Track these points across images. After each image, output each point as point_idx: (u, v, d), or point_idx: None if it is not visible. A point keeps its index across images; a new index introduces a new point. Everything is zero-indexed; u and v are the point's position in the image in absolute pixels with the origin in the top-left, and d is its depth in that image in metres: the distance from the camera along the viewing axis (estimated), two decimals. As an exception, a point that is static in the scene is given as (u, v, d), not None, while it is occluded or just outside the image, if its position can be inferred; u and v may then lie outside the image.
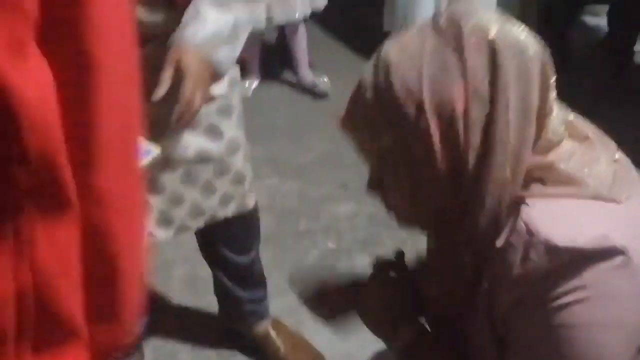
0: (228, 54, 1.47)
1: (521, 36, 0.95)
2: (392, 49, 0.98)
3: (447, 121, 0.93)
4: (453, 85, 0.92)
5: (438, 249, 1.08)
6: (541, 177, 0.95)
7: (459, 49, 0.93)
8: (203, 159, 1.67)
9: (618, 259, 0.90)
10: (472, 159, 0.93)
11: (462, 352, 1.09)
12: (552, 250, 0.90)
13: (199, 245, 2.00)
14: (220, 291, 2.08)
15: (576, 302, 0.90)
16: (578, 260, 0.90)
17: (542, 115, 0.95)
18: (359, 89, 1.00)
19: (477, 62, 0.92)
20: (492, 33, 0.93)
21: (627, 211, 0.95)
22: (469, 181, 0.94)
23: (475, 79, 0.92)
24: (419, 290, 1.16)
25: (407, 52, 0.96)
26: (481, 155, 0.93)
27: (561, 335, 0.92)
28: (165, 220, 1.69)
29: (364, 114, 1.00)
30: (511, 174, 0.93)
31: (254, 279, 2.04)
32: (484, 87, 0.92)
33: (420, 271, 1.22)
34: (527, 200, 0.94)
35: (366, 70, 1.00)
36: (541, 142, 0.96)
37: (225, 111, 1.67)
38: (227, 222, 1.81)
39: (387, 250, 1.29)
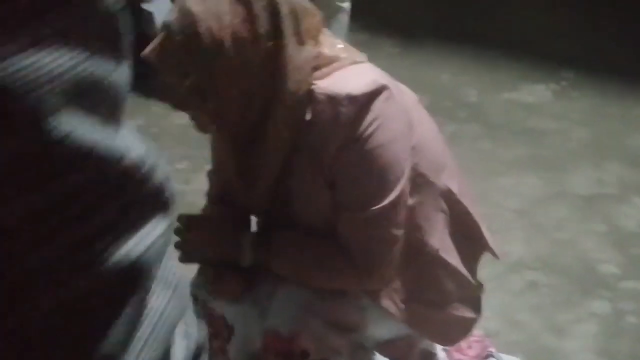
0: None
1: None
2: (194, 3, 1.29)
3: (244, 59, 1.30)
4: (245, 32, 1.29)
5: (251, 141, 1.41)
6: (318, 67, 1.36)
7: (248, 3, 1.30)
8: None
9: (386, 93, 1.35)
10: (264, 83, 1.33)
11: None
12: (353, 99, 1.32)
13: None
14: None
15: (375, 130, 1.33)
16: (368, 99, 1.32)
17: (313, 36, 1.38)
18: (168, 31, 1.30)
19: (262, 13, 1.30)
20: None
21: (372, 66, 1.44)
22: (266, 95, 1.34)
23: (261, 27, 1.29)
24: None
25: (208, 5, 1.29)
26: (271, 80, 1.33)
27: (373, 156, 1.34)
28: None
29: (173, 53, 1.30)
30: (302, 81, 1.34)
31: None
32: (267, 31, 1.31)
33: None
34: (315, 83, 1.35)
35: (171, 16, 1.31)
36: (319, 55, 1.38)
37: None
38: None
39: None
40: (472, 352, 1.90)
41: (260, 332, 1.48)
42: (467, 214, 1.58)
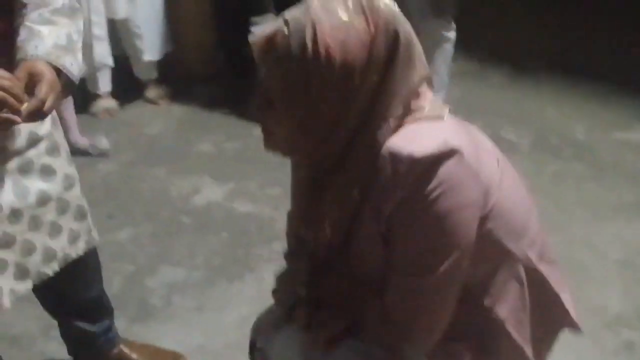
0: (73, 61, 1.54)
1: (411, 31, 1.27)
2: (319, 9, 1.22)
3: (348, 81, 1.21)
4: (360, 57, 1.21)
5: (320, 183, 1.35)
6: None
7: (373, 32, 1.21)
8: (44, 201, 1.67)
9: (456, 157, 1.23)
10: (356, 114, 1.24)
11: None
12: (414, 161, 1.22)
13: (40, 301, 1.95)
14: (71, 336, 2.05)
15: (439, 195, 1.22)
16: (433, 163, 1.22)
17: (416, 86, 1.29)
18: (283, 27, 1.22)
19: (382, 45, 1.22)
20: (397, 24, 1.24)
21: (452, 123, 1.31)
22: (356, 125, 1.25)
23: (376, 57, 1.21)
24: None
25: (331, 16, 1.21)
26: (365, 114, 1.24)
27: (434, 222, 1.25)
28: (22, 273, 1.69)
29: (277, 51, 1.22)
30: (386, 131, 1.25)
31: (102, 310, 2.04)
32: (381, 64, 1.22)
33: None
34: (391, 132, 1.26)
35: (294, 12, 1.23)
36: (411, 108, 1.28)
37: (54, 149, 1.69)
38: (73, 263, 1.79)
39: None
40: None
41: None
42: (545, 283, 1.46)
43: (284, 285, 1.54)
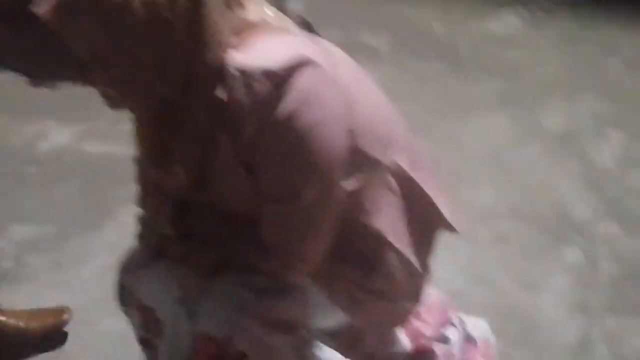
0: None
1: None
2: None
3: (157, 20, 1.08)
4: None
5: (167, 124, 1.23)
6: (237, 34, 1.16)
7: None
8: None
9: (312, 67, 1.14)
10: (180, 51, 1.12)
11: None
12: (269, 74, 1.11)
13: None
14: None
15: (299, 110, 1.13)
16: (288, 74, 1.11)
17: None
18: None
19: None
20: None
21: (300, 36, 1.22)
22: (181, 64, 1.13)
23: None
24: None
25: None
26: (189, 47, 1.12)
27: (297, 141, 1.15)
28: None
29: (74, 12, 1.07)
30: (220, 52, 1.14)
31: None
32: None
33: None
34: (231, 56, 1.14)
35: None
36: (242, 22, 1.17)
37: None
38: None
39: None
40: (431, 319, 1.76)
41: (189, 332, 1.34)
42: (419, 190, 1.42)
43: (147, 228, 1.43)
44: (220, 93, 1.17)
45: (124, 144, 2.80)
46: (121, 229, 2.32)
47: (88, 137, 2.81)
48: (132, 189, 2.46)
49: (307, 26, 1.40)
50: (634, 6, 3.36)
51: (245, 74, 1.14)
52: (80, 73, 1.18)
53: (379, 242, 1.36)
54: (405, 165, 1.38)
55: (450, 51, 3.24)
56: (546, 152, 2.60)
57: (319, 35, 1.33)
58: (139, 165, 1.48)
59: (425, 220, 1.44)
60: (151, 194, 1.45)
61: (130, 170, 2.56)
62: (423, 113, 2.79)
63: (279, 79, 1.12)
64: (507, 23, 3.41)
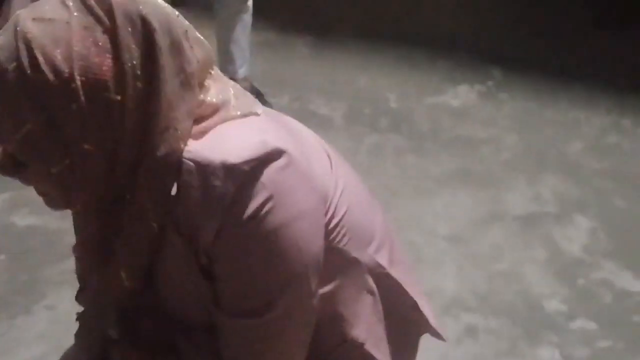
0: None
1: (167, 9, 0.99)
2: (31, 25, 0.93)
3: (102, 104, 0.93)
4: (106, 67, 0.93)
5: (105, 229, 1.06)
6: (198, 120, 1.01)
7: (111, 28, 0.94)
8: None
9: (282, 159, 0.99)
10: (129, 140, 0.96)
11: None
12: (230, 168, 0.95)
13: None
14: None
15: (267, 210, 0.97)
16: (254, 170, 0.96)
17: (200, 79, 1.02)
18: None
19: (131, 42, 0.94)
20: (142, 8, 0.96)
21: (268, 121, 1.06)
22: (130, 156, 0.97)
23: (129, 60, 0.94)
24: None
25: (51, 28, 0.93)
26: (139, 134, 0.96)
27: (265, 244, 0.99)
28: None
29: (3, 99, 0.93)
30: (175, 142, 0.97)
31: None
32: (138, 67, 0.94)
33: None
34: (188, 145, 0.98)
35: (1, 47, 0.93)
36: (202, 104, 1.02)
37: None
38: None
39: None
40: None
41: None
42: (399, 289, 1.26)
43: (88, 328, 1.24)
44: (173, 190, 0.99)
45: (55, 216, 2.60)
46: (53, 315, 2.09)
47: (16, 208, 2.56)
48: (63, 267, 2.25)
49: (257, 94, 1.25)
50: (592, 86, 3.32)
51: (203, 169, 0.97)
52: (15, 169, 0.99)
53: (358, 352, 1.19)
54: (384, 262, 1.22)
55: (406, 124, 3.12)
56: (511, 236, 2.47)
57: (270, 105, 1.19)
58: (78, 261, 1.28)
59: (405, 324, 1.28)
60: (92, 294, 1.25)
61: (63, 246, 2.34)
62: (381, 189, 2.64)
63: (243, 176, 0.97)
64: (463, 98, 3.33)
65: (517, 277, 2.28)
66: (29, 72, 0.92)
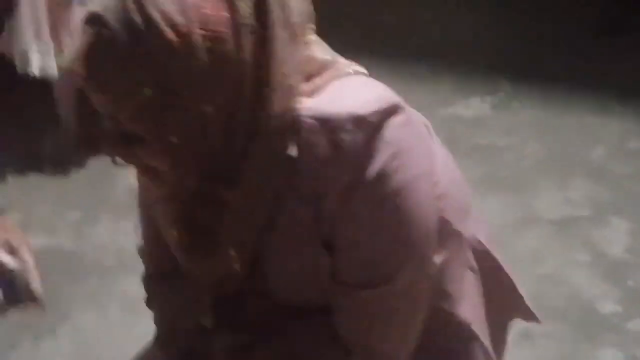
0: None
1: None
2: None
3: (222, 59, 0.86)
4: (222, 18, 0.86)
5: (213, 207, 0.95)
6: (307, 77, 0.94)
7: None
8: None
9: (402, 115, 0.94)
10: (246, 99, 0.89)
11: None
12: (359, 120, 0.90)
13: None
14: None
15: (393, 169, 0.92)
16: (380, 123, 0.91)
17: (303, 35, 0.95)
18: (99, 27, 0.84)
19: None
20: None
21: (376, 80, 1.01)
22: (247, 117, 0.89)
23: (244, 10, 0.87)
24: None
25: None
26: (254, 93, 0.89)
27: (391, 204, 0.93)
28: None
29: (115, 65, 0.85)
30: (290, 99, 0.91)
31: None
32: (252, 18, 0.88)
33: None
34: (302, 103, 0.92)
35: (100, 5, 0.85)
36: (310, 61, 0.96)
37: None
38: None
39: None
40: None
41: None
42: (498, 268, 1.20)
43: (173, 324, 1.15)
44: (293, 151, 0.92)
45: (70, 236, 2.47)
46: (78, 336, 1.96)
47: (28, 228, 2.41)
48: (88, 288, 2.12)
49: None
50: (604, 93, 3.28)
51: (329, 124, 0.91)
52: (128, 145, 0.90)
53: (464, 335, 1.13)
54: (482, 239, 1.16)
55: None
56: (549, 240, 2.39)
57: None
58: (153, 258, 1.18)
59: (502, 307, 1.22)
60: (181, 281, 1.13)
61: (83, 267, 2.23)
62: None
63: (371, 128, 0.92)
64: (476, 108, 3.27)
65: (564, 281, 2.20)
66: (143, 30, 0.84)
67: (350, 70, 0.99)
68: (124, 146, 0.92)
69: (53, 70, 2.84)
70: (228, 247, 0.97)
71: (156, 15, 0.84)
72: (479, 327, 1.14)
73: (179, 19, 0.85)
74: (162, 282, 1.17)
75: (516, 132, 3.05)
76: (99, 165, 3.01)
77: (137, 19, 0.84)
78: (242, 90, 0.89)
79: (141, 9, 0.84)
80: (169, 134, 0.88)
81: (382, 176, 0.93)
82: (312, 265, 0.98)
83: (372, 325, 1.02)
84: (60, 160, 2.94)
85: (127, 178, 2.89)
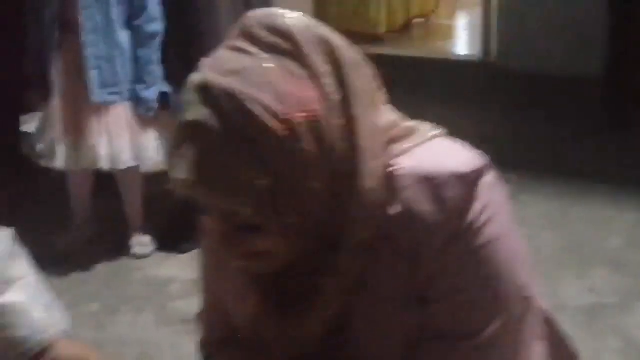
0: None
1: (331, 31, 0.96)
2: (222, 79, 0.89)
3: (318, 134, 0.90)
4: (310, 94, 0.90)
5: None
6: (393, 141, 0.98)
7: (297, 53, 0.91)
8: None
9: (491, 175, 0.97)
10: (342, 162, 0.92)
11: None
12: (461, 178, 0.94)
13: None
14: None
15: (486, 221, 0.95)
16: (477, 180, 0.95)
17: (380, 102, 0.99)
18: (204, 137, 0.88)
19: (320, 62, 0.91)
20: (316, 28, 0.94)
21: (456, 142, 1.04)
22: (345, 181, 0.93)
23: (326, 82, 0.91)
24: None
25: (246, 78, 0.88)
26: (350, 152, 0.92)
27: (485, 256, 0.95)
28: None
29: (226, 166, 0.88)
30: (383, 161, 0.95)
31: None
32: (333, 89, 0.91)
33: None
34: (395, 163, 0.96)
35: (197, 113, 0.88)
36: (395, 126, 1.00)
37: None
38: None
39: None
40: None
41: None
42: (561, 337, 1.16)
43: None
44: (393, 209, 0.94)
45: (91, 326, 2.42)
46: None
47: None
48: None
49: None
50: (616, 184, 3.34)
51: (433, 182, 0.94)
52: (246, 234, 0.94)
53: None
54: (544, 305, 1.12)
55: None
56: (578, 327, 2.37)
57: None
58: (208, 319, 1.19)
59: None
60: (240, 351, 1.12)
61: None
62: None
63: (471, 185, 0.95)
64: (486, 201, 3.30)
65: (599, 367, 2.17)
66: (247, 127, 0.87)
67: (435, 133, 1.03)
68: (241, 239, 0.94)
69: (76, 164, 2.89)
70: (321, 312, 0.97)
71: (258, 110, 0.87)
72: None
73: (278, 107, 0.88)
74: (221, 349, 1.15)
75: (528, 224, 3.07)
76: (115, 259, 3.01)
77: (239, 118, 0.87)
78: (337, 162, 0.92)
79: (241, 108, 0.87)
80: (288, 217, 0.90)
81: (477, 229, 0.95)
82: (400, 323, 0.98)
83: None
84: (77, 254, 2.93)
85: (144, 272, 2.89)
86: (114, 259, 3.00)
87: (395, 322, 0.98)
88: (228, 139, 0.88)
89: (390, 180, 0.96)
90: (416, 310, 0.97)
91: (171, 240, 3.09)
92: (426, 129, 1.03)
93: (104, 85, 2.78)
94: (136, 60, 2.84)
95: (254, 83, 0.88)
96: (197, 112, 0.89)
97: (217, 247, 0.99)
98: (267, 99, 0.88)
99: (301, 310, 1.00)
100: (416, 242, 0.95)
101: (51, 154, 2.82)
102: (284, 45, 0.91)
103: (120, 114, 2.86)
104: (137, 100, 2.86)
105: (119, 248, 3.06)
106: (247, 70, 0.89)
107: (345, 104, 0.93)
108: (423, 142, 1.01)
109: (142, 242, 3.06)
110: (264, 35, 0.91)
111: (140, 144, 2.90)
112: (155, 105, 2.89)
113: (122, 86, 2.83)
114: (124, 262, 2.97)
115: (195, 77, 0.91)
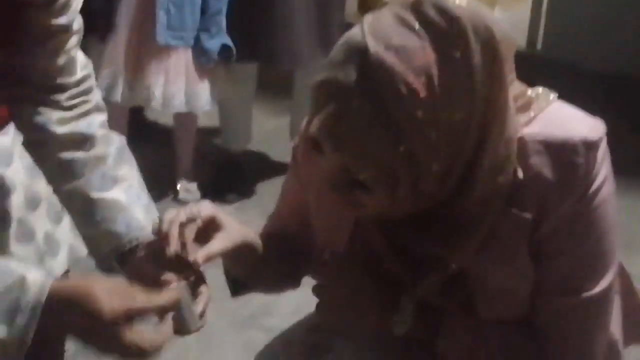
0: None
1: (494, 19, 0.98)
2: (382, 52, 0.92)
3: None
4: (460, 86, 0.94)
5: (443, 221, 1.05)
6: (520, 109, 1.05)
7: (462, 44, 0.93)
8: None
9: (605, 140, 1.06)
10: (478, 116, 0.96)
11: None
12: (591, 145, 1.03)
13: None
14: None
15: (602, 184, 1.04)
16: (602, 146, 1.05)
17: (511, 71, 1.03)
18: (347, 99, 0.93)
19: (480, 61, 0.94)
20: (486, 18, 0.96)
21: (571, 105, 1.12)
22: (476, 139, 0.97)
23: (480, 79, 0.95)
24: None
25: (406, 55, 0.91)
26: (488, 112, 0.97)
27: (600, 215, 1.05)
28: None
29: (363, 131, 0.93)
30: (514, 127, 1.02)
31: None
32: (480, 83, 0.95)
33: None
34: (527, 130, 1.04)
35: (346, 74, 0.92)
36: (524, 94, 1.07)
37: None
38: None
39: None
40: None
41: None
42: (630, 287, 1.25)
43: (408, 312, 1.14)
44: (520, 174, 1.04)
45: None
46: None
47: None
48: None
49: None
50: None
51: (561, 148, 1.03)
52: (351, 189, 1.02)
53: (613, 351, 1.19)
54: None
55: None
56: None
57: None
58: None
59: (628, 328, 1.25)
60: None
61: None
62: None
63: (595, 151, 1.05)
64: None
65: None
66: (396, 109, 0.92)
67: (553, 97, 1.10)
68: (349, 190, 1.01)
69: (131, 101, 2.92)
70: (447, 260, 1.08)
71: (405, 91, 0.91)
72: (621, 346, 1.20)
73: (424, 93, 0.92)
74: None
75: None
76: (160, 204, 3.01)
77: (387, 94, 0.92)
78: (472, 118, 0.97)
79: (391, 85, 0.91)
80: (402, 191, 0.97)
81: (598, 190, 1.05)
82: (518, 275, 1.07)
83: (580, 331, 1.10)
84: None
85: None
86: (158, 203, 3.01)
87: (512, 275, 1.07)
88: (371, 109, 0.92)
89: (521, 147, 1.03)
90: (530, 264, 1.06)
91: (217, 191, 3.12)
92: (544, 94, 1.10)
93: (169, 27, 2.80)
94: (204, 9, 2.86)
95: (411, 67, 0.91)
96: (346, 72, 0.92)
97: (321, 184, 1.05)
98: (417, 84, 0.91)
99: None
100: (543, 204, 1.03)
101: (111, 88, 2.84)
102: (449, 29, 0.93)
103: (180, 59, 2.89)
104: (199, 49, 2.88)
105: (164, 194, 3.08)
106: (408, 50, 0.92)
107: (490, 99, 0.97)
108: (545, 108, 1.07)
109: (188, 189, 3.09)
110: (432, 14, 0.93)
111: (194, 91, 2.92)
112: (216, 56, 2.91)
113: (187, 32, 2.85)
114: (169, 208, 2.97)
115: (355, 38, 0.94)
